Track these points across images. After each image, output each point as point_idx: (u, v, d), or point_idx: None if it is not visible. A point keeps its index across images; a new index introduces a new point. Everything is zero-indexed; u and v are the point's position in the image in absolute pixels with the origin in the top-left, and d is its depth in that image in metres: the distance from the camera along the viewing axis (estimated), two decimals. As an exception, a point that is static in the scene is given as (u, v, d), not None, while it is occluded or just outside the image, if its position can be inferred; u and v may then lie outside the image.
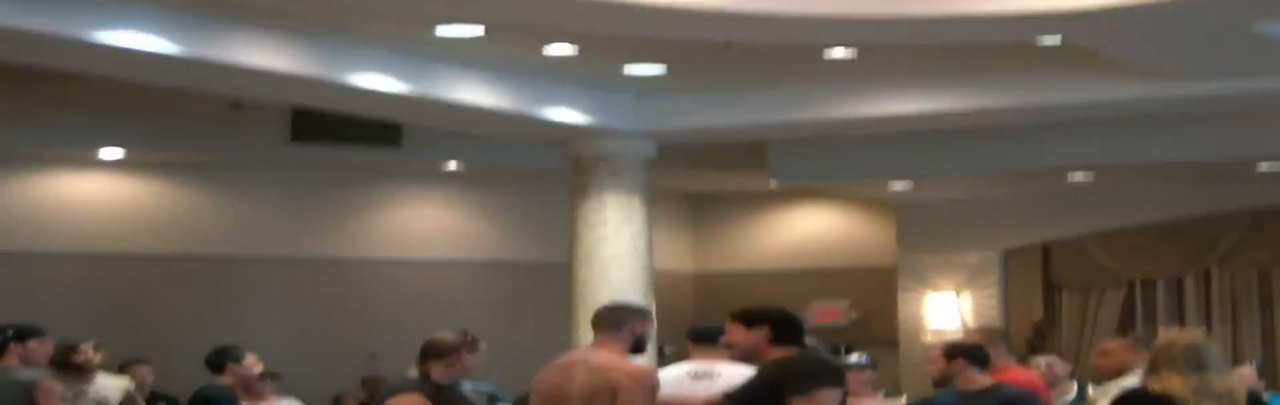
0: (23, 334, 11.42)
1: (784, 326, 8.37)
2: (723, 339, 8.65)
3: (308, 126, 16.66)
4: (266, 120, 16.61)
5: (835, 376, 8.26)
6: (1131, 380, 10.65)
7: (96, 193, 17.86)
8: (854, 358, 13.60)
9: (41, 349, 11.45)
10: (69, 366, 11.80)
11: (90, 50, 12.17)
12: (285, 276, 18.21)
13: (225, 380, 13.37)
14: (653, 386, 8.72)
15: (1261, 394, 9.83)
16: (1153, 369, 9.31)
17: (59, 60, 12.92)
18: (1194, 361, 8.95)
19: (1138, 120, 15.71)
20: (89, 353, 11.94)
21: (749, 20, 11.76)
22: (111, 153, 17.26)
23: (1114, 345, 11.70)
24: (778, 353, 8.26)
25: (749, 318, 8.37)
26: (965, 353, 10.35)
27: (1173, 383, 8.94)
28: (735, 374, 9.32)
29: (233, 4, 12.24)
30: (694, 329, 10.01)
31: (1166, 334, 10.18)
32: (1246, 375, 11.47)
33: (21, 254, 17.17)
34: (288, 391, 14.66)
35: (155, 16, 12.17)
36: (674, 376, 9.47)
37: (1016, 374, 11.27)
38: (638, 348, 8.98)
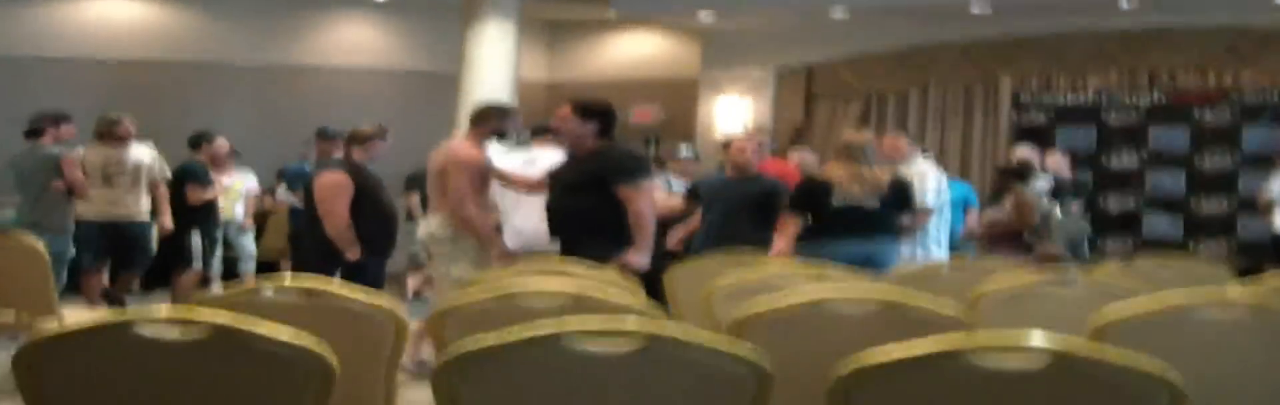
0: (56, 119, 11.50)
1: (609, 121, 8.41)
2: (552, 123, 8.67)
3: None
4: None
5: (650, 170, 8.54)
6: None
7: (108, 11, 17.78)
8: (683, 151, 13.77)
9: (69, 131, 11.60)
10: (111, 136, 11.94)
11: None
12: (250, 79, 18.29)
13: (201, 157, 13.47)
14: (468, 166, 8.76)
15: (908, 182, 9.99)
16: (824, 160, 9.75)
17: None
18: (851, 155, 9.35)
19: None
20: (128, 125, 12.01)
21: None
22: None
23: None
24: (596, 143, 8.34)
25: (586, 110, 8.35)
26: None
27: (835, 170, 9.32)
28: (547, 158, 9.40)
29: None
30: (535, 126, 10.16)
31: (842, 136, 10.50)
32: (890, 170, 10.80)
33: (49, 59, 17.24)
34: (245, 165, 14.74)
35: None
36: (513, 164, 9.54)
37: (773, 166, 11.55)
38: (500, 136, 8.97)
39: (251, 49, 18.27)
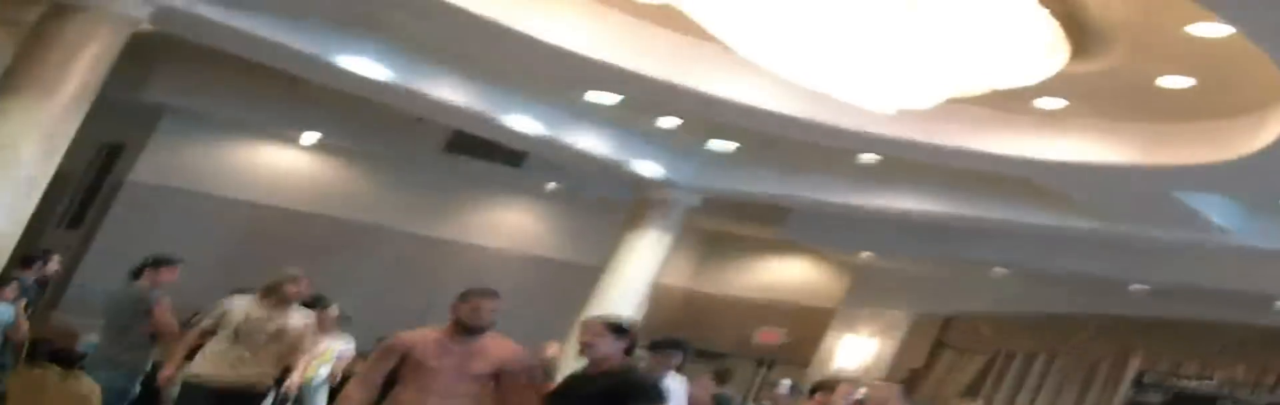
0: (159, 263, 11.17)
1: (634, 343, 8.08)
2: (582, 337, 7.99)
3: (460, 143, 16.82)
4: (433, 132, 16.78)
5: (666, 399, 8.09)
6: None
7: (285, 160, 18.19)
8: (784, 386, 13.70)
9: (170, 275, 11.12)
10: (273, 294, 10.50)
11: (324, 66, 12.50)
12: (394, 244, 18.44)
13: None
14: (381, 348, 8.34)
15: None
16: None
17: (302, 70, 13.19)
18: None
19: (1054, 238, 15.80)
20: (298, 286, 10.64)
21: (800, 123, 12.05)
22: (310, 137, 17.63)
23: None
24: (619, 361, 8.00)
25: (619, 330, 7.96)
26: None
27: None
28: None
29: (436, 47, 12.47)
30: (659, 339, 10.44)
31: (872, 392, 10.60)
32: None
33: (231, 200, 17.56)
34: (350, 330, 14.66)
35: (381, 49, 12.47)
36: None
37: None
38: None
39: (406, 217, 18.56)
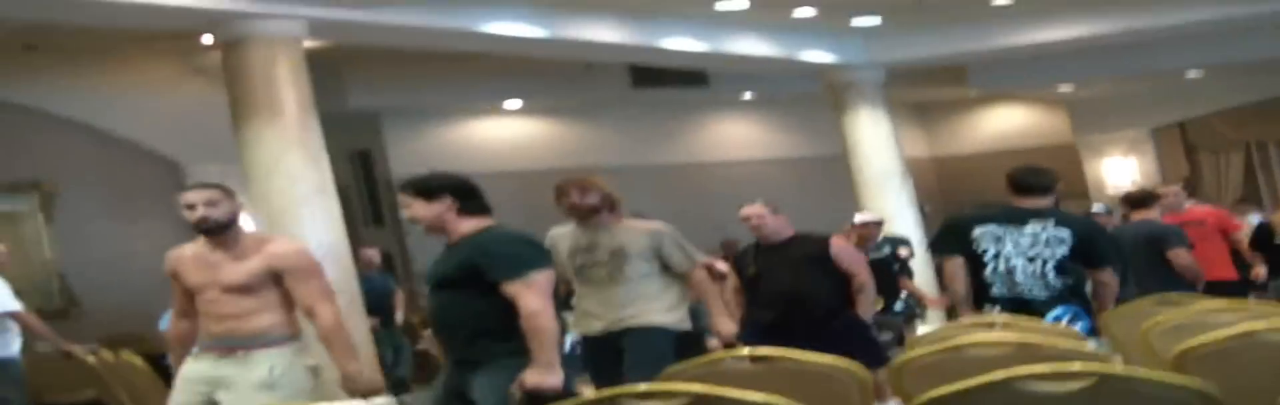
0: None
1: (466, 193, 6.15)
2: (403, 214, 6.26)
3: (643, 77, 17.40)
4: (612, 74, 17.39)
5: (543, 257, 6.13)
6: None
7: (505, 130, 18.98)
8: (1097, 207, 13.98)
9: None
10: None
11: (481, 37, 12.88)
12: (652, 179, 18.68)
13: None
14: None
15: None
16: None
17: (464, 46, 13.61)
18: None
19: (1231, 32, 15.90)
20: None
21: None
22: (512, 104, 18.38)
23: None
24: (469, 224, 6.11)
25: (421, 190, 6.07)
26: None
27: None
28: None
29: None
30: None
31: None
32: None
33: (481, 175, 17.61)
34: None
35: (524, 9, 12.81)
36: None
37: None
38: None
39: (637, 153, 19.15)
